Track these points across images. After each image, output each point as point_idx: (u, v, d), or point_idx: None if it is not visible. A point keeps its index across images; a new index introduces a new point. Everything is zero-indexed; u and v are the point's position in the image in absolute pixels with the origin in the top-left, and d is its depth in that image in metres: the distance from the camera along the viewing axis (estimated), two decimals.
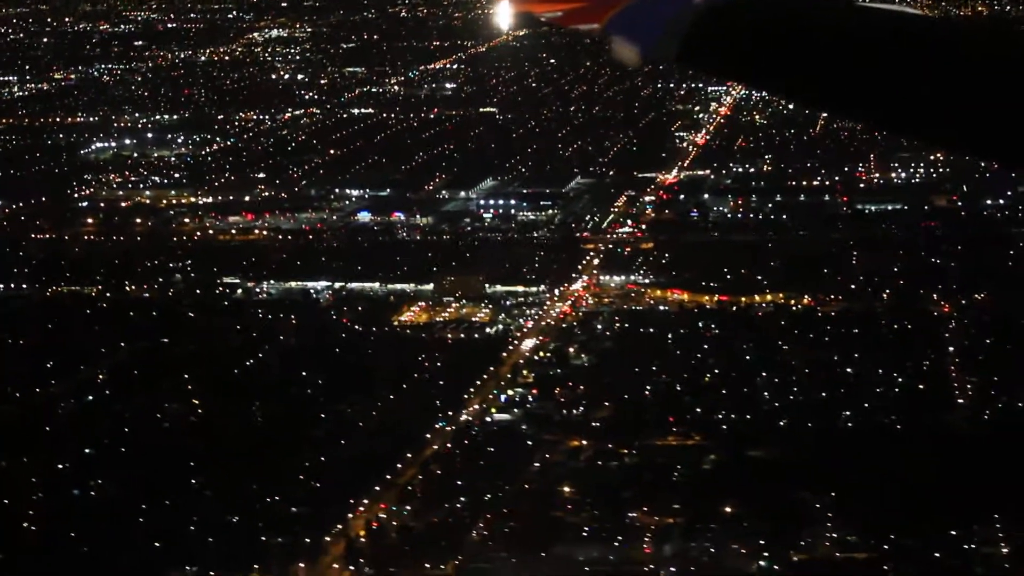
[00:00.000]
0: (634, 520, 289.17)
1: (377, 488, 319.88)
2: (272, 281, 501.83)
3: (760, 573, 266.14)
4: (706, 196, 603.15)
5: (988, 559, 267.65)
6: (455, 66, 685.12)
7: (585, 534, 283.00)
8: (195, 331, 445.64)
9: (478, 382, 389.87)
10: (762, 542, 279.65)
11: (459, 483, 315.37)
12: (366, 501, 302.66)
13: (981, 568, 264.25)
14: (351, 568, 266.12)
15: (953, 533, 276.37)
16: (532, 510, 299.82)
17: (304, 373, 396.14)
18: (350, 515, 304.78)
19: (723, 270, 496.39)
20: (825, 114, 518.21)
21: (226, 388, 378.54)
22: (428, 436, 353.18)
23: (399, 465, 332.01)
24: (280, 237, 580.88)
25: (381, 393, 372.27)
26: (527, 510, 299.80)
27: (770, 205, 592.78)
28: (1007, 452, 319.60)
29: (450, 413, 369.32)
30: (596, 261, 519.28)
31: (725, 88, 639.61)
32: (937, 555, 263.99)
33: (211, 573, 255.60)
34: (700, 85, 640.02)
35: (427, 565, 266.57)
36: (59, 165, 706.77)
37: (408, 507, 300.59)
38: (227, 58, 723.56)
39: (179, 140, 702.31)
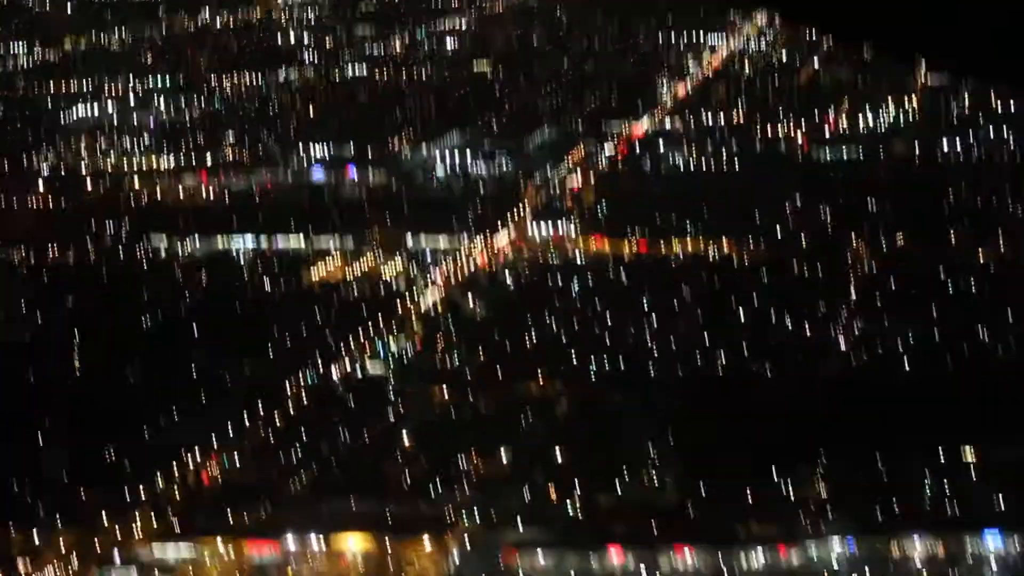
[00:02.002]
0: (462, 472, 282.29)
1: (216, 443, 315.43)
2: (197, 241, 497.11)
3: (564, 520, 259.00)
4: (662, 147, 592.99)
5: (803, 503, 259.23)
6: (465, 26, 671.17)
7: (406, 486, 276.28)
8: (104, 292, 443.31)
9: (363, 336, 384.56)
10: (578, 491, 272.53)
11: (302, 437, 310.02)
12: (199, 456, 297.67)
13: (790, 511, 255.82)
14: (158, 522, 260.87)
15: (775, 478, 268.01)
16: (363, 463, 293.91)
17: (195, 330, 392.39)
18: (178, 469, 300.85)
19: (654, 219, 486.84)
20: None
21: (115, 345, 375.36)
22: (288, 391, 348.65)
23: (246, 422, 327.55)
24: (225, 197, 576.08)
25: (262, 349, 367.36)
26: (358, 463, 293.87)
27: (725, 155, 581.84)
28: (862, 400, 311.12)
29: (321, 368, 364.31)
30: (529, 213, 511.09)
31: (723, 39, 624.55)
32: (750, 501, 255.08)
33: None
34: (700, 38, 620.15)
35: (231, 520, 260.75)
36: (35, 133, 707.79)
37: (239, 461, 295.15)
38: (242, 22, 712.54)
39: (162, 105, 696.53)
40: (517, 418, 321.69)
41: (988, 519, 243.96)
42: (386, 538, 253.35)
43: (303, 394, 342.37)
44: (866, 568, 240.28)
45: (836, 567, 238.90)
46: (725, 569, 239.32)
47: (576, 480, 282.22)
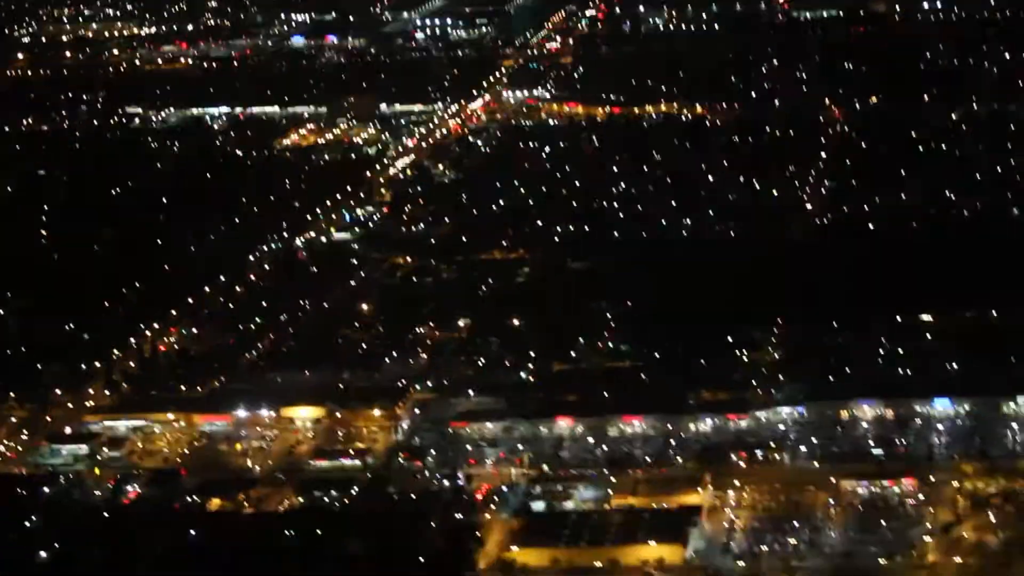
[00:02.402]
0: (418, 336, 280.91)
1: (175, 312, 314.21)
2: (173, 109, 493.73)
3: (513, 385, 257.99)
4: (642, 8, 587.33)
5: (755, 364, 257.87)
6: None
7: (360, 352, 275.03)
8: (76, 159, 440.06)
9: (330, 202, 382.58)
10: (532, 353, 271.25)
11: (261, 304, 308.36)
12: (157, 325, 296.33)
13: (743, 373, 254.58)
14: (112, 394, 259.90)
15: (729, 339, 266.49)
16: (321, 330, 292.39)
17: (163, 198, 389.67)
18: (133, 339, 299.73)
19: (631, 82, 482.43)
20: None
21: (82, 215, 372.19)
22: (252, 258, 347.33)
23: (207, 288, 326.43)
24: (204, 65, 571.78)
25: (229, 215, 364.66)
26: (315, 330, 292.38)
27: (704, 16, 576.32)
28: (822, 260, 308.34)
29: (286, 234, 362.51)
30: (506, 78, 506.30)
31: None
32: (703, 362, 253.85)
33: None
34: None
35: (183, 388, 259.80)
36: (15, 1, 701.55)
37: (196, 329, 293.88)
38: None
39: None
40: (478, 284, 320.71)
41: (940, 386, 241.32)
42: (337, 408, 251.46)
43: (266, 263, 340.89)
44: (812, 433, 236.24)
45: (785, 431, 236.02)
46: (673, 436, 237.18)
47: (531, 347, 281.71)
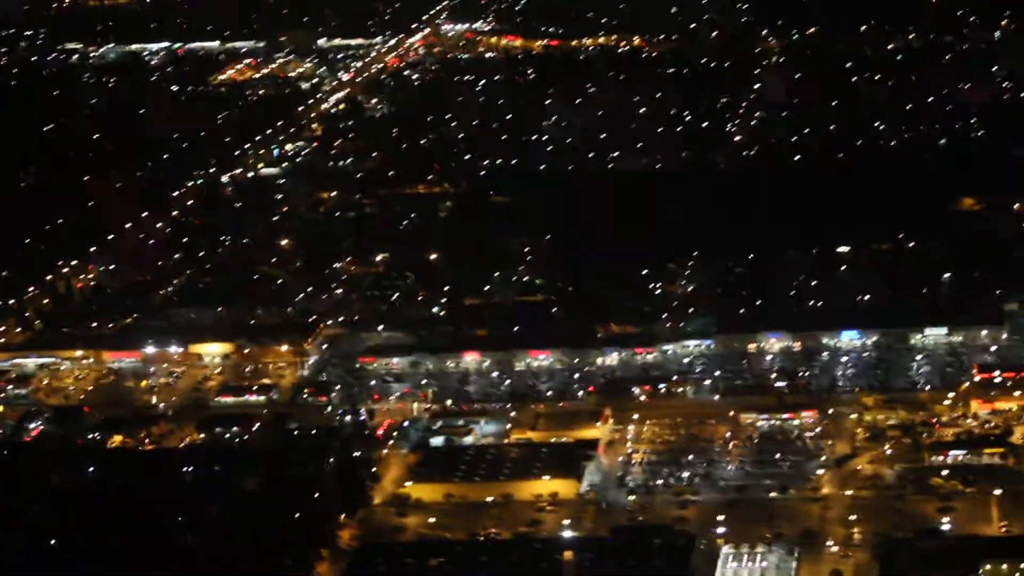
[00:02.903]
0: (334, 271, 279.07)
1: (93, 249, 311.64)
2: (112, 44, 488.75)
3: (424, 320, 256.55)
4: None
5: (669, 295, 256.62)
6: None
7: (275, 288, 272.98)
8: (10, 96, 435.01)
9: (261, 137, 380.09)
10: (445, 288, 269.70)
11: (181, 240, 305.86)
12: (74, 262, 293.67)
13: (654, 306, 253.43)
14: (21, 328, 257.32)
15: (644, 272, 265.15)
16: (238, 266, 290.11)
17: (93, 134, 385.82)
18: (49, 276, 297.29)
19: (570, 14, 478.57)
20: None
21: (11, 147, 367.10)
22: (176, 194, 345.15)
23: (128, 225, 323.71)
24: (145, 0, 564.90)
25: (158, 152, 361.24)
26: (232, 266, 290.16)
27: None
28: (744, 192, 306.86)
29: (213, 170, 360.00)
30: (446, 11, 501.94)
31: None
32: (614, 296, 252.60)
33: None
34: None
35: (95, 325, 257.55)
36: None
37: (112, 266, 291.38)
38: None
39: None
40: (399, 219, 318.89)
41: (849, 319, 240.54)
42: (245, 344, 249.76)
43: (189, 199, 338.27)
44: (718, 367, 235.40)
45: (691, 365, 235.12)
46: (579, 370, 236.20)
47: (446, 282, 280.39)
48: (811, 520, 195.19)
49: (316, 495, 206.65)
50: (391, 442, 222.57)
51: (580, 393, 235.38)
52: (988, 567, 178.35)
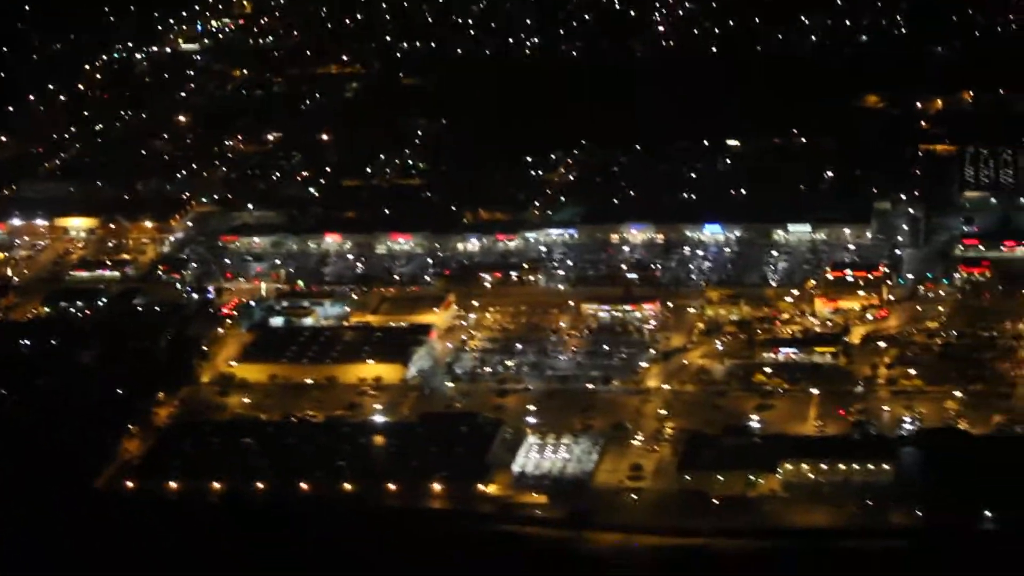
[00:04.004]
0: (224, 148, 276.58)
1: None
2: None
3: (297, 200, 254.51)
4: None
5: (544, 185, 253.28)
6: None
7: (160, 164, 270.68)
8: None
9: (186, 12, 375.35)
10: (328, 169, 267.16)
11: (81, 114, 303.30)
12: None
13: (528, 193, 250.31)
14: None
15: (528, 159, 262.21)
16: (129, 141, 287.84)
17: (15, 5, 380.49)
18: None
19: None
20: None
21: None
22: (88, 67, 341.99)
23: (31, 97, 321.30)
24: None
25: (82, 25, 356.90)
26: (124, 141, 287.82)
27: None
28: (654, 82, 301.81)
29: (131, 44, 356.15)
30: None
31: None
32: (494, 183, 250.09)
33: None
34: None
35: None
36: None
37: (4, 137, 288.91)
38: None
39: None
40: (304, 98, 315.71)
41: (716, 212, 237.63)
42: (111, 219, 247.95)
43: (99, 73, 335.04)
44: (576, 256, 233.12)
45: (549, 253, 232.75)
46: (437, 255, 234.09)
47: (331, 163, 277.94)
48: (627, 413, 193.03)
49: (144, 371, 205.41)
50: (229, 321, 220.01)
51: (427, 278, 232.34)
52: (787, 466, 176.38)
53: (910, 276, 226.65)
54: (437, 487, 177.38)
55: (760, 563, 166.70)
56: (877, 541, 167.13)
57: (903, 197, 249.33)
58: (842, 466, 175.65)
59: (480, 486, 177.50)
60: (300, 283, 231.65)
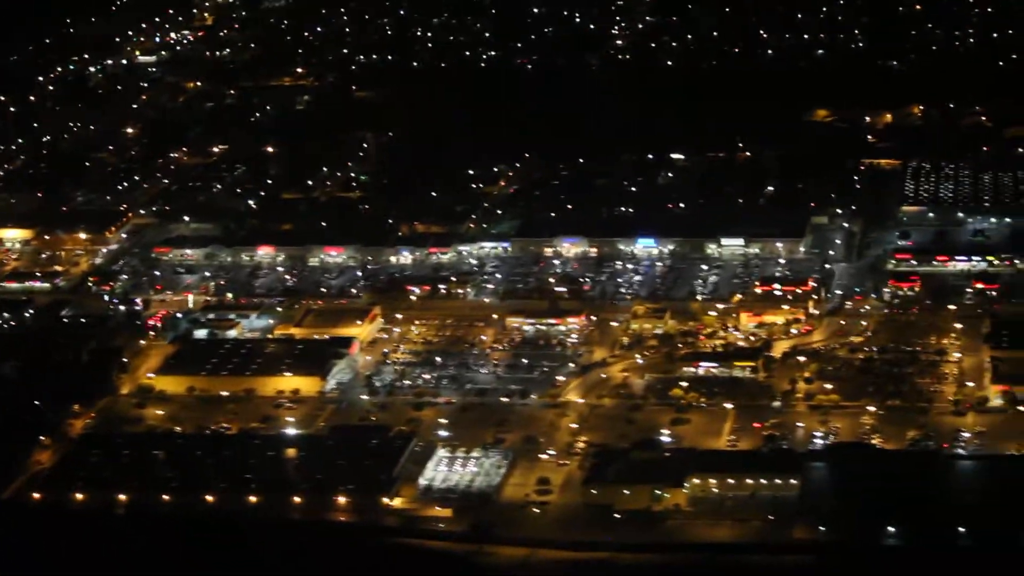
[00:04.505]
0: (167, 160, 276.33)
1: None
2: None
3: (235, 213, 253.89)
4: None
5: (484, 197, 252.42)
6: None
7: (102, 175, 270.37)
8: None
9: (146, 24, 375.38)
10: (269, 181, 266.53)
11: (31, 125, 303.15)
12: None
13: (467, 206, 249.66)
14: None
15: (471, 172, 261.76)
16: (75, 153, 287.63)
17: None
18: None
19: None
20: None
21: None
22: (40, 79, 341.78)
23: None
24: None
25: (41, 37, 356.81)
26: (70, 153, 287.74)
27: None
28: (605, 95, 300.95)
29: (87, 56, 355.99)
30: None
31: None
32: (431, 194, 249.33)
33: None
34: None
35: None
36: None
37: None
38: None
39: None
40: (255, 110, 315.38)
41: (650, 226, 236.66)
42: (46, 230, 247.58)
43: (52, 85, 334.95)
44: (508, 269, 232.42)
45: (481, 266, 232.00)
46: (368, 268, 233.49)
47: (274, 176, 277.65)
48: (541, 427, 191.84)
49: (64, 383, 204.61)
50: (153, 334, 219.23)
51: (354, 291, 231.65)
52: (694, 481, 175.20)
53: (839, 292, 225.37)
54: (342, 500, 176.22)
55: None
56: (779, 556, 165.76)
57: (839, 211, 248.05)
58: (749, 481, 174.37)
59: (385, 499, 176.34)
60: (229, 295, 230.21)
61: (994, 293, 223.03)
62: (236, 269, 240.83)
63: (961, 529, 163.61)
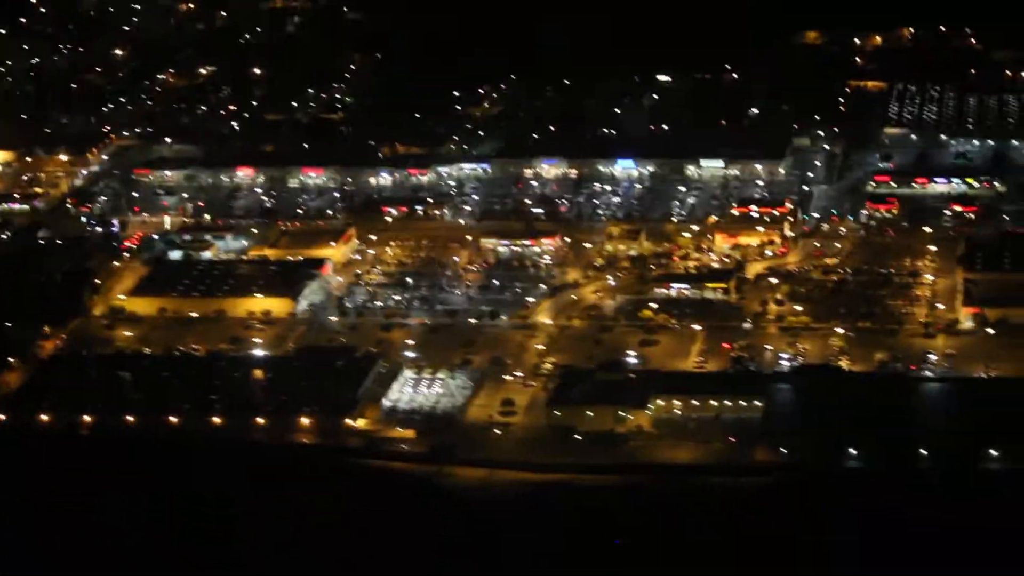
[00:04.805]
0: (154, 82, 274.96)
1: None
2: None
3: (217, 134, 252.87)
4: None
5: (466, 119, 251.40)
6: None
7: (89, 98, 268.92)
8: None
9: None
10: (253, 103, 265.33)
11: (21, 48, 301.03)
12: None
13: (448, 127, 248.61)
14: None
15: (455, 94, 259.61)
16: (65, 75, 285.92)
17: None
18: None
19: None
20: None
21: None
22: (33, 1, 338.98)
23: None
24: None
25: None
26: (60, 75, 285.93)
27: None
28: (581, 15, 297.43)
29: None
30: None
31: None
32: (416, 117, 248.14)
33: None
34: None
35: None
36: None
37: None
38: None
39: None
40: (244, 31, 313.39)
41: (629, 147, 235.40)
42: (27, 152, 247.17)
43: (43, 7, 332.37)
44: (486, 191, 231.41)
45: (460, 188, 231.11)
46: (347, 189, 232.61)
47: (259, 96, 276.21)
48: (510, 348, 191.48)
49: (36, 304, 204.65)
50: (127, 255, 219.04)
51: (330, 212, 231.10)
52: (658, 402, 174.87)
53: (815, 214, 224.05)
54: (305, 421, 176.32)
55: (620, 498, 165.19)
56: (739, 478, 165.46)
57: (821, 133, 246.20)
58: (712, 402, 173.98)
59: (348, 420, 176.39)
60: (207, 217, 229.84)
61: (972, 215, 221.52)
62: (215, 190, 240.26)
63: (923, 452, 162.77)
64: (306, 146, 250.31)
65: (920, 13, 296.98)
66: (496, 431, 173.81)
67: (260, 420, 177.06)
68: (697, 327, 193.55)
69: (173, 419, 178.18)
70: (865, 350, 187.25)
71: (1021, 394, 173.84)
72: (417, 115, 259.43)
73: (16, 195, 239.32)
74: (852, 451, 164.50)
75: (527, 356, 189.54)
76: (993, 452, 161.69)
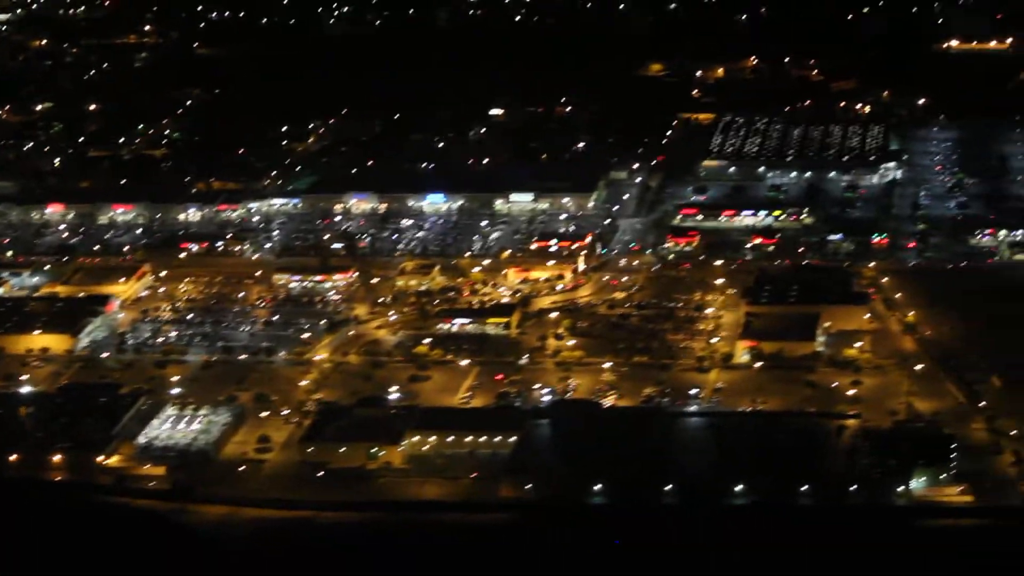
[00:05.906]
0: None
1: None
2: None
3: (36, 171, 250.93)
4: None
5: (287, 155, 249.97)
6: None
7: None
8: None
9: None
10: (82, 139, 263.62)
11: None
12: None
13: (268, 163, 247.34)
14: None
15: (283, 129, 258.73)
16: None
17: None
18: None
19: None
20: None
21: None
22: None
23: None
24: None
25: None
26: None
27: None
28: (436, 50, 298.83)
29: None
30: None
31: None
32: (238, 152, 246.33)
33: None
34: None
35: None
36: None
37: None
38: None
39: None
40: (92, 68, 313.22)
41: (439, 182, 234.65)
42: None
43: None
44: (293, 227, 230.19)
45: (267, 223, 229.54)
46: (155, 225, 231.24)
47: (91, 133, 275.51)
48: (281, 384, 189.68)
49: None
50: None
51: (126, 248, 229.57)
52: (412, 438, 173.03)
53: (616, 248, 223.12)
54: (58, 458, 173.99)
55: (360, 536, 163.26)
56: (478, 514, 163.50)
57: (637, 167, 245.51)
58: (467, 439, 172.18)
59: (100, 457, 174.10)
60: (8, 253, 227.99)
61: (771, 248, 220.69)
62: (23, 227, 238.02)
63: (668, 487, 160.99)
64: (123, 182, 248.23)
65: (765, 45, 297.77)
66: (242, 468, 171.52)
67: (13, 457, 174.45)
68: (466, 363, 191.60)
69: None
70: (635, 384, 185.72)
71: (776, 428, 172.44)
72: (241, 151, 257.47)
73: None
74: (596, 486, 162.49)
75: (295, 392, 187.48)
76: (740, 487, 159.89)
